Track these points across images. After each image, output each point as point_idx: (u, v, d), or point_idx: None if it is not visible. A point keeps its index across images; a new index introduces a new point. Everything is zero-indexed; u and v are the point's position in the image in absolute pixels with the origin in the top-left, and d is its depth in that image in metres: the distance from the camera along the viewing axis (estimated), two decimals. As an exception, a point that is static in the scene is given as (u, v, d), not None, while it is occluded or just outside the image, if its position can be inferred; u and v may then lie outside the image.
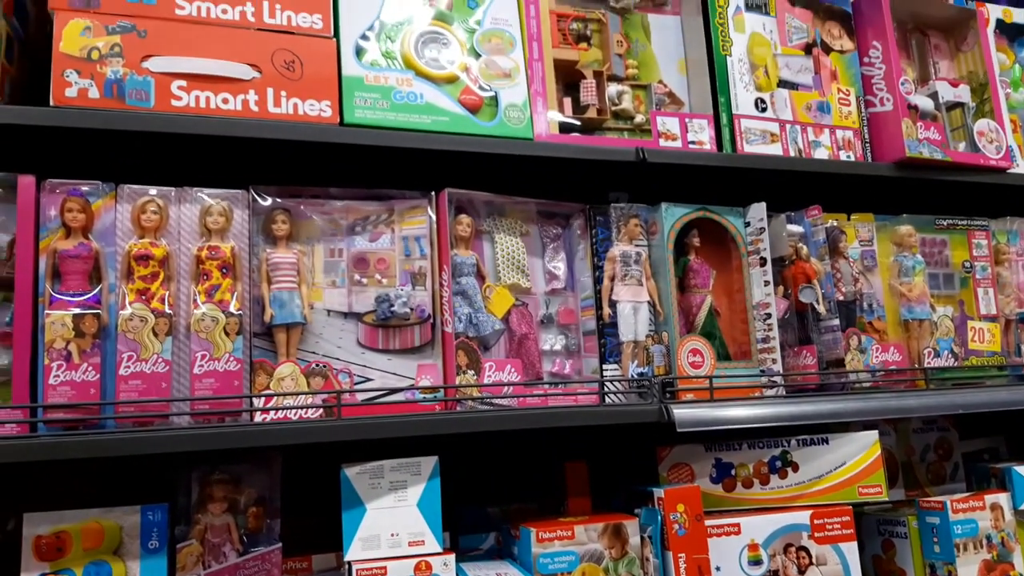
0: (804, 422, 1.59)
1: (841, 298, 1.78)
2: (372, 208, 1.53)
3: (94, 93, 1.28)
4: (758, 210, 1.71)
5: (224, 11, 1.39)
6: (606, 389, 1.55)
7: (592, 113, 1.68)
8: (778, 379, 1.66)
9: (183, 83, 1.33)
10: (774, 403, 1.60)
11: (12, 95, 1.37)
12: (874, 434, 1.68)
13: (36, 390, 1.25)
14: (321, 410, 1.37)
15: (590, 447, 1.74)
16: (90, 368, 1.25)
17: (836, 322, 1.73)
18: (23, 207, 1.27)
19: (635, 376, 1.58)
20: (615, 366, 1.59)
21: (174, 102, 1.32)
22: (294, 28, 1.43)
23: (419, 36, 1.55)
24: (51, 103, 1.26)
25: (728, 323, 1.73)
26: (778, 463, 1.67)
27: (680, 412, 1.47)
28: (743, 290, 1.71)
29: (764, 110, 1.79)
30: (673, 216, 1.66)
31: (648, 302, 1.62)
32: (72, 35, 1.29)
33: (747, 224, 1.72)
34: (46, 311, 1.25)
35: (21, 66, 1.42)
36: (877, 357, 1.80)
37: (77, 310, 1.26)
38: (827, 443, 1.68)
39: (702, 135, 1.72)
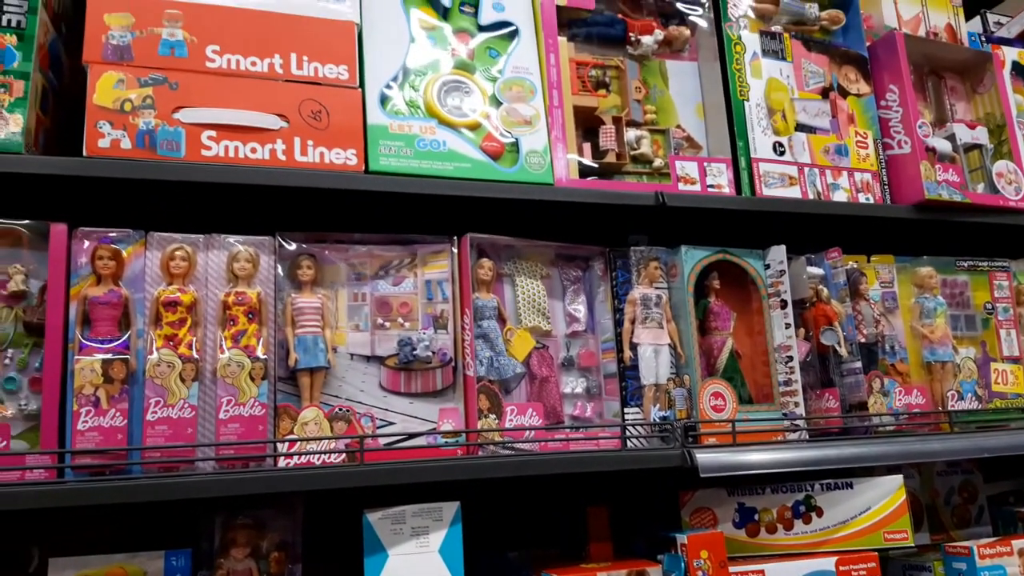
0: (828, 467, 1.58)
1: (863, 340, 1.78)
2: (395, 253, 1.55)
3: (126, 144, 1.31)
4: (778, 253, 1.71)
5: (253, 63, 1.42)
6: (628, 433, 1.55)
7: (611, 158, 1.70)
8: (801, 423, 1.65)
9: (213, 133, 1.36)
10: (797, 447, 1.59)
11: (46, 145, 1.40)
12: (899, 479, 1.67)
13: (64, 435, 1.26)
14: (344, 455, 1.38)
15: (611, 491, 1.73)
16: (118, 414, 1.27)
17: (858, 364, 1.72)
18: (55, 254, 1.30)
19: (657, 420, 1.57)
20: (637, 409, 1.59)
21: (204, 152, 1.35)
22: (321, 79, 1.46)
23: (442, 85, 1.59)
24: (84, 153, 1.30)
25: (749, 366, 1.73)
26: (802, 508, 1.66)
27: (703, 457, 1.47)
28: (764, 332, 1.71)
29: (782, 154, 1.80)
30: (693, 259, 1.67)
31: (669, 345, 1.62)
32: (106, 87, 1.33)
33: (767, 266, 1.73)
34: (76, 357, 1.27)
35: (55, 116, 1.46)
36: (900, 400, 1.79)
37: (106, 356, 1.28)
38: (851, 488, 1.67)
39: (720, 179, 1.73)
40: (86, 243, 1.32)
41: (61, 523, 1.44)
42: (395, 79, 1.55)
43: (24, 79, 1.30)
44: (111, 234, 1.33)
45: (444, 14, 1.66)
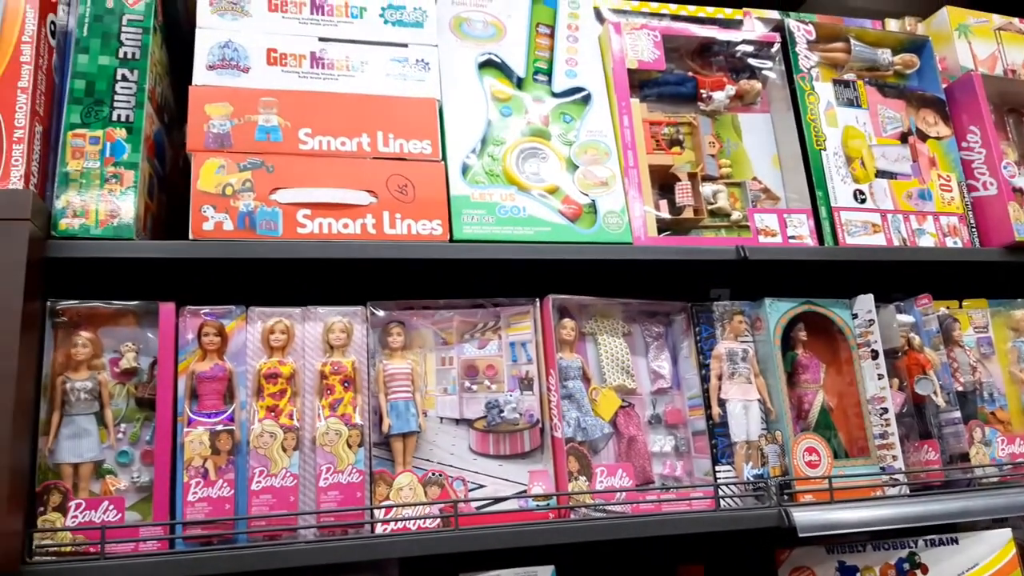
0: (932, 522, 1.53)
1: (960, 388, 1.72)
2: (479, 316, 1.58)
3: (228, 225, 1.39)
4: (866, 302, 1.68)
5: (343, 143, 1.50)
6: (721, 493, 1.53)
7: (689, 213, 1.71)
8: (900, 477, 1.60)
9: (308, 212, 1.43)
10: (898, 503, 1.54)
11: (153, 229, 1.49)
12: (1007, 532, 1.60)
13: (175, 505, 1.31)
14: (439, 519, 1.39)
15: (705, 549, 1.70)
16: (225, 484, 1.32)
17: (957, 414, 1.66)
18: (164, 332, 1.37)
19: (751, 478, 1.55)
20: (728, 467, 1.57)
21: (300, 229, 1.42)
22: (406, 155, 1.52)
23: (519, 152, 1.63)
24: (191, 236, 1.38)
25: (842, 418, 1.69)
26: (906, 565, 1.60)
27: (801, 516, 1.43)
28: (855, 384, 1.67)
29: (863, 201, 1.78)
30: (778, 311, 1.65)
31: (758, 400, 1.60)
32: (208, 173, 1.41)
33: (855, 316, 1.70)
34: (185, 430, 1.33)
35: (159, 201, 1.56)
36: (1003, 449, 1.72)
37: (213, 428, 1.34)
38: (956, 543, 1.60)
39: (801, 229, 1.72)
40: (191, 320, 1.39)
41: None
42: (474, 150, 1.60)
43: (134, 169, 1.39)
44: (217, 312, 1.40)
45: (518, 83, 1.71)
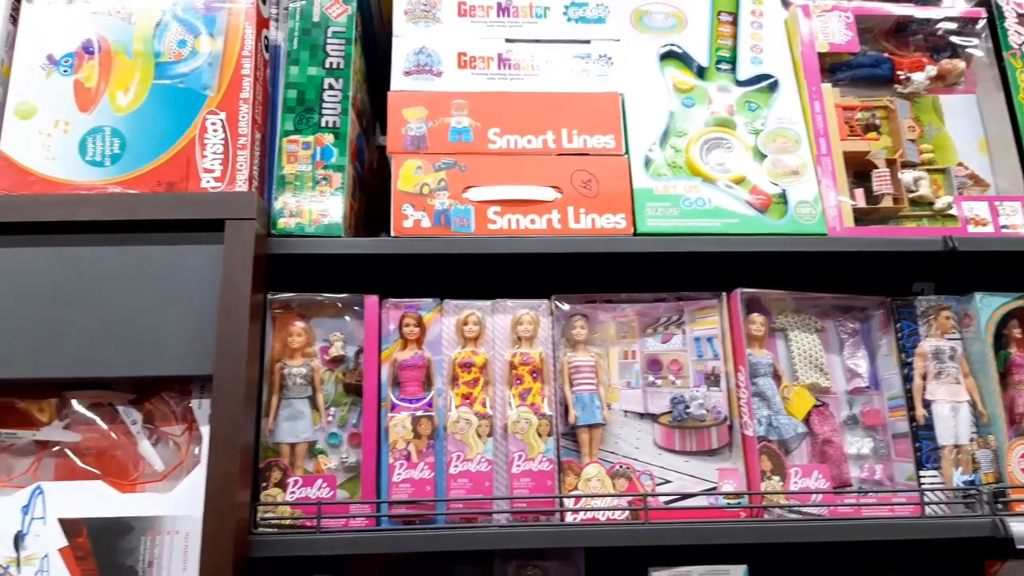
0: None
1: None
2: (662, 310, 1.57)
3: (426, 223, 1.46)
4: (1093, 296, 1.53)
5: (529, 141, 1.54)
6: (926, 499, 1.44)
7: (888, 202, 1.62)
8: None
9: (498, 208, 1.48)
10: None
11: (355, 227, 1.60)
12: None
13: (379, 486, 1.40)
14: (627, 512, 1.40)
15: (906, 557, 1.61)
16: (426, 467, 1.39)
17: None
18: (369, 323, 1.46)
19: (960, 484, 1.45)
20: (934, 472, 1.47)
21: (490, 225, 1.47)
22: (589, 150, 1.54)
23: (703, 143, 1.61)
24: (392, 233, 1.46)
25: (1065, 424, 1.54)
26: None
27: (1019, 527, 1.33)
28: (1080, 386, 1.53)
29: (1088, 186, 1.62)
30: (990, 306, 1.53)
31: (968, 402, 1.49)
32: (407, 174, 1.49)
33: (1080, 312, 1.55)
34: (389, 415, 1.42)
35: (360, 200, 1.66)
36: None
37: (415, 413, 1.41)
38: None
39: (1015, 218, 1.58)
40: (393, 312, 1.47)
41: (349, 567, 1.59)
42: (657, 142, 1.60)
43: (341, 171, 1.49)
44: (414, 303, 1.48)
45: (700, 73, 1.69)
